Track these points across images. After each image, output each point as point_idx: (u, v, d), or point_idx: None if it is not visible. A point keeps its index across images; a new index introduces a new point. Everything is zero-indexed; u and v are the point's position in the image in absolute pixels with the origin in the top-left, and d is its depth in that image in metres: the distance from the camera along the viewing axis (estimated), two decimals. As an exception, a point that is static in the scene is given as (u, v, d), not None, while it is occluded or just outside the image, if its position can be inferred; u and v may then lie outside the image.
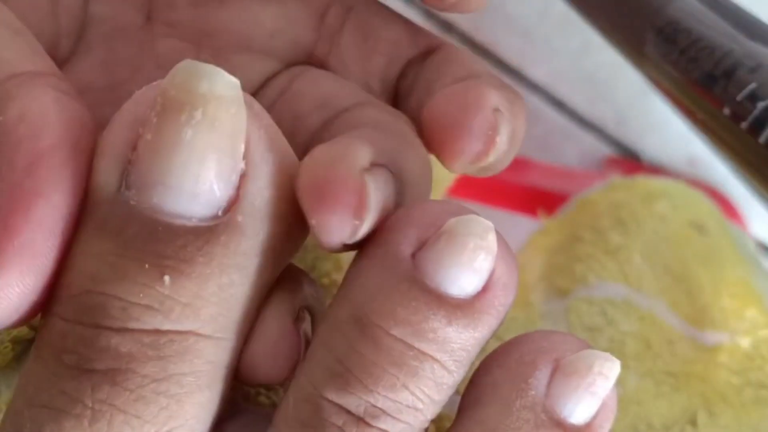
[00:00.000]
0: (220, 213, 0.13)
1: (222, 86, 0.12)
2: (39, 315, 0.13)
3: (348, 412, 0.13)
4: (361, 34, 0.20)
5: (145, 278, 0.12)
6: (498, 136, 0.16)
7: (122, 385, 0.12)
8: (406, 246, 0.14)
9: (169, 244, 0.12)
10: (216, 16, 0.20)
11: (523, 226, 0.39)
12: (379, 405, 0.13)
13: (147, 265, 0.12)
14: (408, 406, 0.13)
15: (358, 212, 0.13)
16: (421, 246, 0.14)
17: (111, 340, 0.12)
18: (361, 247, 0.14)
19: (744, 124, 0.20)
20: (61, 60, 0.19)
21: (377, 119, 0.17)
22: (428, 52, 0.20)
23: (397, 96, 0.20)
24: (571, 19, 0.32)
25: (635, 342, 0.26)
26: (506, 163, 0.18)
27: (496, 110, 0.16)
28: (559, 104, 0.48)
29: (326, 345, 0.14)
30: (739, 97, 0.20)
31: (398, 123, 0.17)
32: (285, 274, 0.15)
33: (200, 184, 0.12)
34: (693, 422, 0.24)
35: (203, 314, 0.13)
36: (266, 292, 0.14)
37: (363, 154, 0.14)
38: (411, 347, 0.13)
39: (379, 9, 0.20)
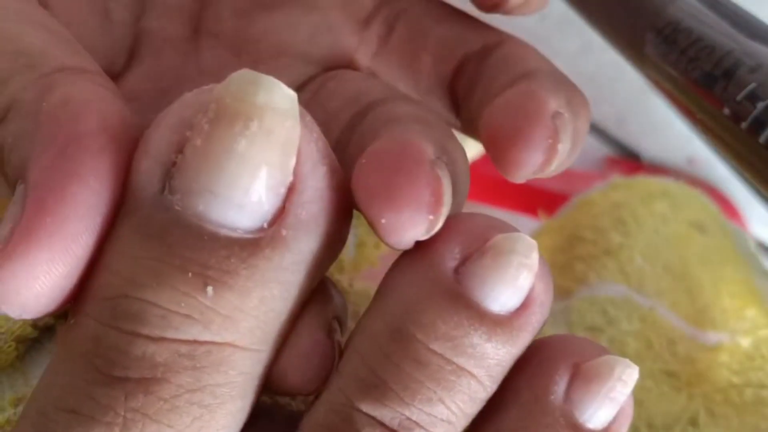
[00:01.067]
0: (265, 225, 0.12)
1: (280, 99, 0.12)
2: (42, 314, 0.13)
3: (382, 424, 0.13)
4: (409, 34, 0.19)
5: (188, 287, 0.12)
6: (560, 144, 0.15)
7: (156, 395, 0.12)
8: (449, 260, 0.13)
9: (214, 254, 0.12)
10: (257, 25, 0.20)
11: (523, 226, 0.39)
12: (414, 418, 0.13)
13: (190, 274, 0.12)
14: (442, 420, 0.13)
15: (434, 207, 0.13)
16: (464, 260, 0.13)
17: (147, 348, 0.12)
18: (397, 258, 0.14)
19: (744, 124, 0.20)
20: (115, 74, 0.19)
21: (415, 113, 0.16)
22: (488, 48, 0.19)
23: (455, 96, 0.19)
24: (571, 19, 0.32)
25: (636, 342, 0.26)
26: (569, 162, 0.17)
27: (556, 115, 0.15)
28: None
29: (361, 356, 0.14)
30: (739, 97, 0.20)
31: (433, 115, 0.16)
32: (317, 285, 0.15)
33: (249, 195, 0.12)
34: (694, 422, 0.24)
35: (242, 327, 0.12)
36: (302, 305, 0.14)
37: (429, 146, 0.13)
38: (450, 362, 0.13)
39: (433, 8, 0.20)
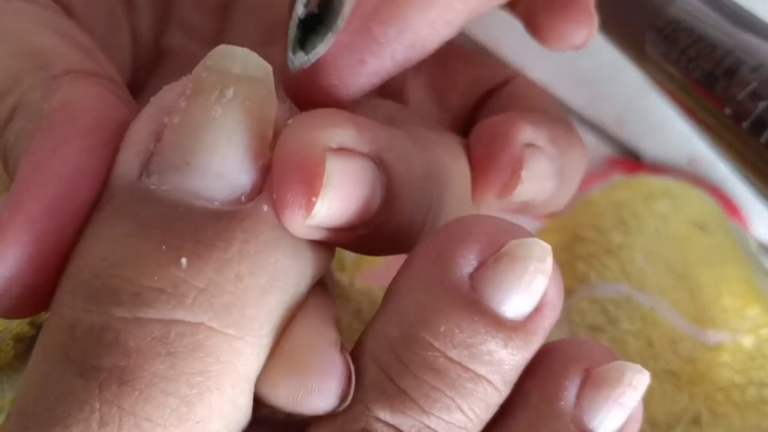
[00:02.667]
0: (243, 199, 0.12)
1: (255, 68, 0.12)
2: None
3: None
4: (439, 71, 0.20)
5: (162, 259, 0.12)
6: (523, 171, 0.16)
7: (130, 384, 0.12)
8: (464, 266, 0.13)
9: (188, 224, 0.12)
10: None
11: (524, 225, 0.39)
12: (433, 426, 0.13)
13: (164, 246, 0.12)
14: (459, 427, 0.13)
15: (313, 188, 0.12)
16: (479, 266, 0.13)
17: (121, 332, 0.12)
18: (407, 259, 0.14)
19: (745, 124, 0.20)
20: (138, 88, 0.19)
21: (409, 128, 0.16)
22: (500, 85, 0.20)
23: (471, 126, 0.19)
24: (571, 19, 0.32)
25: (637, 341, 0.26)
26: (560, 200, 0.18)
27: (529, 145, 0.16)
28: (559, 104, 0.48)
29: (378, 364, 0.13)
30: (740, 97, 0.20)
31: (433, 134, 0.17)
32: (316, 291, 0.14)
33: (226, 163, 0.12)
34: (697, 421, 0.24)
35: (217, 303, 0.12)
36: (298, 299, 0.14)
37: (331, 135, 0.13)
38: (467, 369, 0.13)
39: (458, 46, 0.20)
